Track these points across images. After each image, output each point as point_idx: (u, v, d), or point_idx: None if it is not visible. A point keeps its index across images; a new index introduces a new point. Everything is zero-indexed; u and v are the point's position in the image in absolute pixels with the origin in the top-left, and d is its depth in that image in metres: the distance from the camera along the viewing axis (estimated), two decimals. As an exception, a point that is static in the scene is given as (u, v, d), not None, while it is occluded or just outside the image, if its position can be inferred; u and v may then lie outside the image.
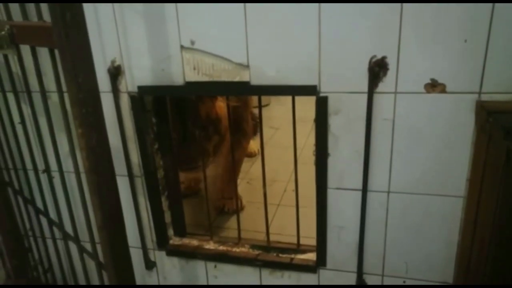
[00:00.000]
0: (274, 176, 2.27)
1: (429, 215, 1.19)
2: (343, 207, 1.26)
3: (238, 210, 1.76)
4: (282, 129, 2.96)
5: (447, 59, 1.04)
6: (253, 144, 2.61)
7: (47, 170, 1.19)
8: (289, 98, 1.26)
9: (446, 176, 1.14)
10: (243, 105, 1.86)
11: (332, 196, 1.25)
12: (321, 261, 1.34)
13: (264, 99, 3.68)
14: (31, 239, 1.60)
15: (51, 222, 1.36)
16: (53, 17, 0.64)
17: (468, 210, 1.15)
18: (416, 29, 1.04)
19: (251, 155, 2.62)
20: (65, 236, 1.29)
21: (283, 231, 1.76)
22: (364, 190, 1.21)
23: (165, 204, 1.50)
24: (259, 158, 2.43)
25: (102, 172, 0.77)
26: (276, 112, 3.43)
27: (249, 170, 2.47)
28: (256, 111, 2.10)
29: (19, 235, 1.61)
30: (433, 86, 1.08)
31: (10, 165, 1.49)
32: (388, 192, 1.21)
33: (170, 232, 1.54)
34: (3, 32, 0.79)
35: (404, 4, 1.02)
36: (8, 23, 0.81)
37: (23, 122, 1.31)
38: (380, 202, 1.22)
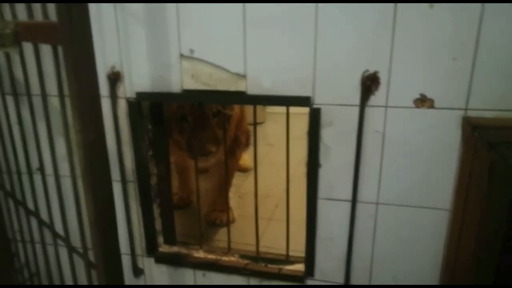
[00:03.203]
0: (267, 192, 2.28)
1: (417, 227, 1.22)
2: (332, 218, 1.28)
3: (228, 220, 1.77)
4: (277, 146, 2.98)
5: (436, 75, 1.09)
6: (247, 159, 2.63)
7: (41, 168, 1.20)
8: (284, 116, 1.30)
9: (433, 189, 1.17)
10: (239, 115, 1.90)
11: (322, 206, 1.28)
12: (309, 271, 1.35)
13: (260, 116, 3.73)
14: (19, 243, 1.59)
15: (41, 223, 1.36)
16: (60, 14, 0.67)
17: (453, 223, 1.17)
18: (408, 46, 1.08)
19: (245, 170, 2.63)
20: (55, 237, 1.29)
21: (273, 244, 1.76)
22: (354, 200, 1.24)
23: (156, 211, 1.51)
24: (252, 173, 2.46)
25: (97, 169, 0.79)
26: (271, 129, 3.46)
27: (242, 185, 2.48)
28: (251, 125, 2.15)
29: (5, 239, 1.61)
30: (422, 101, 1.12)
31: (3, 168, 1.50)
32: (377, 204, 1.23)
33: (160, 239, 1.55)
34: (7, 31, 0.81)
35: (397, 21, 1.07)
36: (13, 22, 0.83)
37: (20, 123, 1.33)
38: (369, 213, 1.24)
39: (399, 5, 1.06)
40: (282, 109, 1.28)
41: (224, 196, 1.98)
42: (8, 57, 1.29)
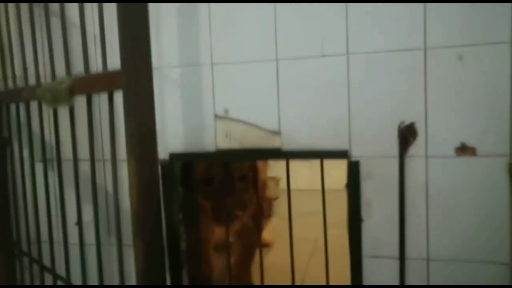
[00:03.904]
0: (287, 270, 2.17)
1: (474, 284, 1.13)
2: (380, 278, 1.20)
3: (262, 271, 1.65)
4: (294, 221, 2.90)
5: (474, 123, 1.09)
6: (266, 234, 2.54)
7: (79, 222, 1.15)
8: (300, 192, 1.29)
9: (488, 241, 1.11)
10: (263, 181, 1.86)
11: (367, 266, 1.20)
12: None
13: (273, 191, 3.69)
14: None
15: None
16: (124, 59, 0.69)
17: (513, 279, 1.09)
18: (441, 94, 1.10)
19: (266, 245, 2.52)
20: None
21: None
22: (402, 257, 1.17)
23: (184, 279, 1.42)
24: (272, 249, 2.36)
25: (149, 212, 0.76)
26: (286, 204, 3.41)
27: (263, 260, 2.36)
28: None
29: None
30: (463, 149, 1.11)
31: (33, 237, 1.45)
32: (428, 260, 1.16)
33: (189, 314, 1.44)
34: (63, 86, 0.83)
35: (428, 70, 1.09)
36: (70, 78, 0.86)
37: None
38: (420, 271, 1.17)
39: (429, 55, 1.09)
40: (296, 185, 1.30)
41: (246, 270, 1.89)
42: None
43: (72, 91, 0.84)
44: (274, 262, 1.86)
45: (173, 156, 1.31)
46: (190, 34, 1.27)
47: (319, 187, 1.30)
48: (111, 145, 0.95)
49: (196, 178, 1.50)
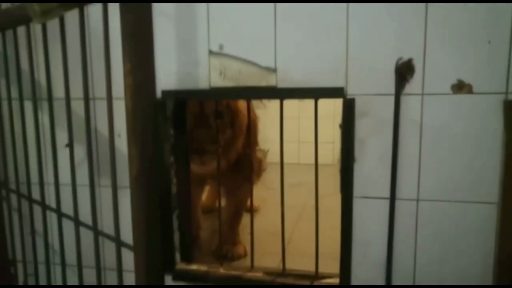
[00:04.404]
0: (275, 230, 2.17)
1: (462, 224, 1.14)
2: (369, 219, 1.19)
3: (252, 229, 1.64)
4: (279, 191, 2.90)
5: (473, 60, 1.08)
6: (255, 199, 2.53)
7: (71, 144, 1.12)
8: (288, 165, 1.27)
9: (477, 181, 1.11)
10: (251, 140, 1.83)
11: (357, 206, 1.20)
12: (345, 282, 1.23)
13: (262, 160, 3.68)
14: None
15: (61, 215, 1.23)
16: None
17: (504, 218, 1.10)
18: (441, 31, 1.08)
19: (254, 210, 2.52)
20: (78, 224, 1.16)
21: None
22: (392, 198, 1.16)
23: (175, 223, 1.41)
24: (260, 212, 2.36)
25: (143, 116, 0.75)
26: (272, 176, 3.40)
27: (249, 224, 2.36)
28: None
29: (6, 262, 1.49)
30: (460, 86, 1.10)
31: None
32: (417, 200, 1.16)
33: (177, 256, 1.43)
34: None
35: (429, 6, 1.07)
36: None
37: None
38: (409, 211, 1.17)
39: (431, -8, 1.07)
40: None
41: (234, 229, 1.88)
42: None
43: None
44: (261, 224, 1.86)
45: (166, 94, 1.28)
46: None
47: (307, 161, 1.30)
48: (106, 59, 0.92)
49: (188, 118, 1.47)
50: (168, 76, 1.27)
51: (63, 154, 1.22)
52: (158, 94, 1.29)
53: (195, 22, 1.23)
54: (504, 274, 1.09)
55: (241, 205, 1.95)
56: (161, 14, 1.25)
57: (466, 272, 1.15)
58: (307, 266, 1.35)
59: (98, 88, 1.36)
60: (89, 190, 1.09)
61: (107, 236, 1.07)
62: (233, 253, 1.88)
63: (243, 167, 1.86)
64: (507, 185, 1.08)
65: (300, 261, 1.39)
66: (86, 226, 1.14)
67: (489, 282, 1.14)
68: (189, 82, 1.26)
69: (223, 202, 1.87)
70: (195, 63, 1.25)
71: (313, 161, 1.30)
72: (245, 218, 1.99)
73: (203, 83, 1.26)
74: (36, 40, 1.33)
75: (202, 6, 1.22)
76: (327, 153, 3.34)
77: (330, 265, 1.31)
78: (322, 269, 1.32)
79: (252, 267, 1.41)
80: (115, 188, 1.00)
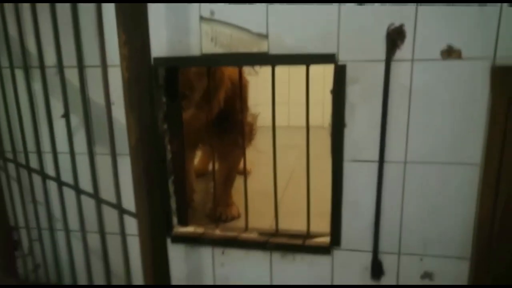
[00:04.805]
0: (267, 191, 2.23)
1: (446, 185, 1.19)
2: (359, 181, 1.24)
3: (246, 191, 1.68)
4: (270, 154, 2.94)
5: (462, 25, 1.09)
6: (247, 162, 2.57)
7: (67, 114, 1.14)
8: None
9: (462, 144, 1.16)
10: (241, 102, 1.84)
11: (348, 169, 1.24)
12: (335, 240, 1.30)
13: (253, 122, 3.72)
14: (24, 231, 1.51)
15: (61, 184, 1.26)
16: None
17: (486, 179, 1.15)
18: (433, -4, 1.08)
19: (246, 173, 2.56)
20: (79, 192, 1.20)
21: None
22: (381, 161, 1.21)
23: (171, 188, 1.45)
24: (251, 176, 2.41)
25: (139, 85, 0.76)
26: (263, 139, 3.44)
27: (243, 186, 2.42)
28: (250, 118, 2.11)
29: (7, 228, 1.52)
30: (449, 52, 1.11)
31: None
32: (405, 163, 1.21)
33: (174, 219, 1.48)
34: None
35: (422, -29, 1.07)
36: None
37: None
38: (397, 173, 1.22)
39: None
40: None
41: (227, 192, 1.93)
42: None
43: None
44: (253, 186, 1.91)
45: (157, 61, 1.27)
46: None
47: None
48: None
49: (180, 85, 1.47)
50: (159, 43, 1.26)
51: (58, 123, 1.23)
52: (150, 61, 1.28)
53: (185, -14, 1.21)
54: (482, 232, 1.17)
55: (233, 168, 1.99)
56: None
57: (448, 231, 1.22)
58: (299, 225, 1.41)
59: (89, 56, 1.34)
60: (87, 158, 1.11)
61: (109, 204, 1.10)
62: (227, 214, 1.93)
63: (234, 131, 1.89)
64: (489, 147, 1.13)
65: (292, 220, 1.46)
66: (87, 194, 1.16)
67: (469, 241, 1.21)
68: (181, 49, 1.26)
69: (216, 166, 1.91)
70: (186, 29, 1.24)
71: (303, 124, 1.33)
72: (238, 181, 2.05)
73: (194, 50, 1.25)
74: (23, 6, 1.30)
75: (192, -31, 1.20)
76: (317, 115, 3.37)
77: (321, 224, 1.38)
78: (313, 228, 1.39)
79: (246, 229, 1.47)
80: (114, 157, 1.03)
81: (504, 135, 1.07)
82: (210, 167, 2.01)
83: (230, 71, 1.67)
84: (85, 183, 1.18)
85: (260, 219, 1.58)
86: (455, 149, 1.17)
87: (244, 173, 1.62)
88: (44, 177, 1.32)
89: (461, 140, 1.16)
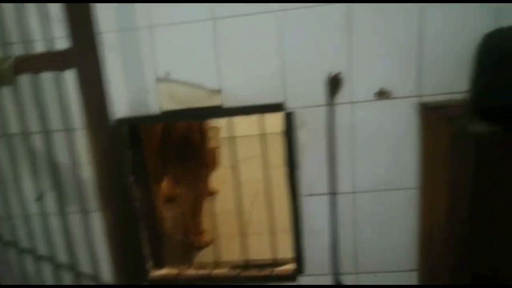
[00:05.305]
0: (236, 210, 2.33)
1: (391, 208, 1.35)
2: (315, 212, 1.38)
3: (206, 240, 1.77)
4: (238, 168, 3.05)
5: (392, 70, 1.25)
6: (214, 183, 2.66)
7: (41, 198, 1.19)
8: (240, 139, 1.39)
9: (401, 171, 1.32)
10: (200, 133, 1.93)
11: (305, 202, 1.37)
12: (299, 268, 1.43)
13: (215, 141, 3.80)
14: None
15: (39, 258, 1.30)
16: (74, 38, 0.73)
17: (422, 199, 1.32)
18: (365, 47, 1.24)
19: (213, 194, 2.66)
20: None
21: (257, 255, 1.82)
22: (333, 193, 1.35)
23: (143, 235, 1.52)
24: (220, 195, 2.50)
25: (103, 146, 0.85)
26: (226, 152, 3.54)
27: (211, 207, 2.51)
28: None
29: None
30: (382, 94, 1.27)
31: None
32: (354, 193, 1.35)
33: (149, 264, 1.55)
34: (7, 64, 0.84)
35: (354, 25, 1.22)
36: (14, 57, 0.87)
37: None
38: (348, 202, 1.36)
39: (354, 10, 1.21)
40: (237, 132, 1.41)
41: (197, 219, 2.01)
42: None
43: (17, 70, 0.85)
44: (222, 208, 2.00)
45: (120, 122, 1.35)
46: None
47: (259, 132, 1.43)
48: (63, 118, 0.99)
49: (143, 140, 1.56)
50: (120, 104, 1.34)
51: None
52: (113, 122, 1.36)
53: (139, 50, 1.30)
54: (424, 246, 1.33)
55: (200, 195, 2.07)
56: (108, 48, 1.29)
57: (397, 248, 1.38)
58: (268, 244, 1.52)
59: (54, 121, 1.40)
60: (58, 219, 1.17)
61: (86, 276, 1.16)
62: (199, 243, 2.02)
63: (196, 159, 1.98)
64: (424, 171, 1.30)
65: (262, 239, 1.56)
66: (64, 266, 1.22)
67: (414, 253, 1.37)
68: (141, 108, 1.34)
69: (182, 191, 1.99)
70: (144, 90, 1.33)
71: (265, 131, 1.44)
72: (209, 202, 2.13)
73: (154, 108, 1.34)
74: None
75: (145, 34, 1.28)
76: (276, 122, 3.50)
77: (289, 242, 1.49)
78: (283, 245, 1.51)
79: (217, 265, 1.56)
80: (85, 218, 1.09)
81: (433, 160, 1.24)
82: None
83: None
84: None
85: (231, 244, 1.67)
86: (395, 177, 1.33)
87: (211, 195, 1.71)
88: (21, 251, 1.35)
89: (400, 168, 1.32)
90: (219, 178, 2.55)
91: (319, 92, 1.29)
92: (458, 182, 1.07)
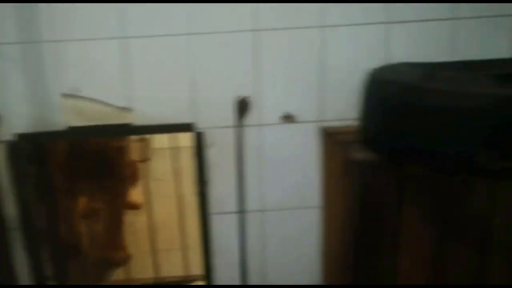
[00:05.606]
0: (161, 226, 2.30)
1: (298, 226, 1.42)
2: (225, 230, 1.41)
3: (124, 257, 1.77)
4: (166, 180, 3.01)
5: (295, 95, 1.33)
6: (136, 196, 2.61)
7: None
8: (170, 150, 1.41)
9: (305, 191, 1.39)
10: (117, 147, 1.91)
11: (215, 220, 1.40)
12: (209, 282, 1.45)
13: (143, 153, 3.73)
14: None
15: None
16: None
17: (324, 218, 1.40)
18: (271, 73, 1.30)
19: (136, 207, 2.60)
20: None
21: (175, 271, 1.81)
22: (242, 211, 1.39)
23: (45, 255, 1.46)
24: (143, 211, 2.46)
25: None
26: (158, 164, 3.48)
27: (133, 222, 2.46)
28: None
29: None
30: (287, 118, 1.34)
31: None
32: (262, 211, 1.41)
33: (51, 284, 1.49)
34: None
35: (262, 51, 1.28)
36: None
37: None
38: (257, 221, 1.41)
39: (263, 36, 1.27)
40: (168, 144, 1.41)
41: (116, 235, 1.97)
42: None
43: None
44: (144, 222, 1.97)
45: (22, 137, 1.29)
46: (29, 8, 1.24)
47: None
48: None
49: (50, 156, 1.51)
50: (22, 119, 1.29)
51: None
52: (13, 137, 1.30)
53: (44, 64, 1.26)
54: (326, 262, 1.41)
55: (119, 209, 2.03)
56: (7, 57, 1.24)
57: (305, 263, 1.45)
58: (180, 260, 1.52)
59: None
60: None
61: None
62: (117, 259, 1.97)
63: (115, 175, 1.95)
64: (324, 193, 1.38)
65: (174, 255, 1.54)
66: None
67: (318, 268, 1.45)
68: (47, 124, 1.30)
69: (100, 206, 1.94)
70: (50, 105, 1.29)
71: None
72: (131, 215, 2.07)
73: (60, 124, 1.30)
74: None
75: (50, 48, 1.25)
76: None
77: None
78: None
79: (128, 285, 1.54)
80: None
81: (331, 182, 1.33)
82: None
83: None
84: None
85: (148, 261, 1.65)
86: (301, 196, 1.40)
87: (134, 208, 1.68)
88: None
89: (304, 188, 1.40)
90: (146, 191, 2.51)
91: (229, 114, 1.33)
92: (350, 204, 1.15)
